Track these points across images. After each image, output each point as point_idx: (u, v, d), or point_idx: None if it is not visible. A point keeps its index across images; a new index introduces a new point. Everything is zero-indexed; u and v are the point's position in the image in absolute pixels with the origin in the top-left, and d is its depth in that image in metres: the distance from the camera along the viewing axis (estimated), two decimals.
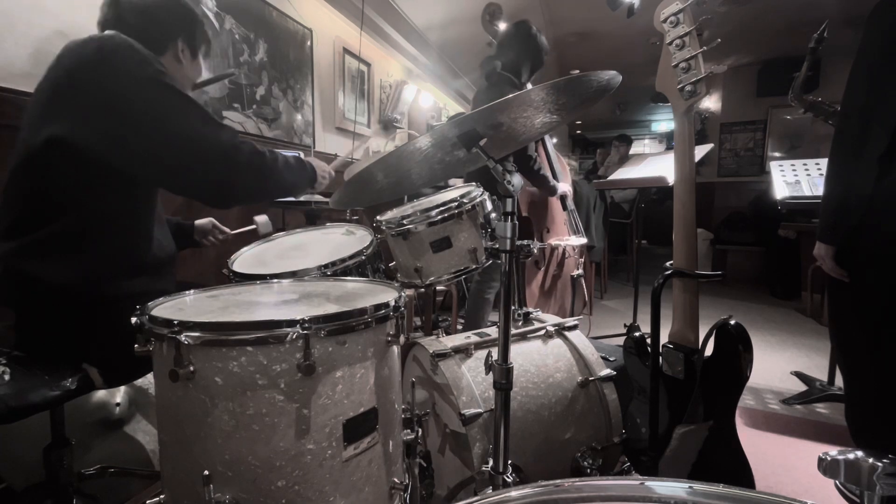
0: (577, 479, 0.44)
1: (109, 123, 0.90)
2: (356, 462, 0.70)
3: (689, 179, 1.08)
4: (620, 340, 1.31)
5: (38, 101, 0.96)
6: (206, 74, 1.24)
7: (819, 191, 2.55)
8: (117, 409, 1.37)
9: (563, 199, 2.61)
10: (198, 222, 1.43)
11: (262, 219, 1.54)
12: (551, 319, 1.39)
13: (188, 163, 0.95)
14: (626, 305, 3.90)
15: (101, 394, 1.35)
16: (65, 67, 0.94)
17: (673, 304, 1.11)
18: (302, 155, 1.21)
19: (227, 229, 1.48)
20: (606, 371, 1.28)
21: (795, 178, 2.75)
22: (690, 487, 0.42)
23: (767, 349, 2.90)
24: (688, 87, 1.05)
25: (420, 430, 0.89)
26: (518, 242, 0.88)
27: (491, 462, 0.93)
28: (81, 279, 0.92)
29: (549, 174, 2.33)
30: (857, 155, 1.16)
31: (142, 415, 1.44)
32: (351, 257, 1.13)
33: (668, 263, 1.12)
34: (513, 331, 1.24)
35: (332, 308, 0.76)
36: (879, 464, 0.41)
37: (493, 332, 1.30)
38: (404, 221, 1.15)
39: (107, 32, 0.98)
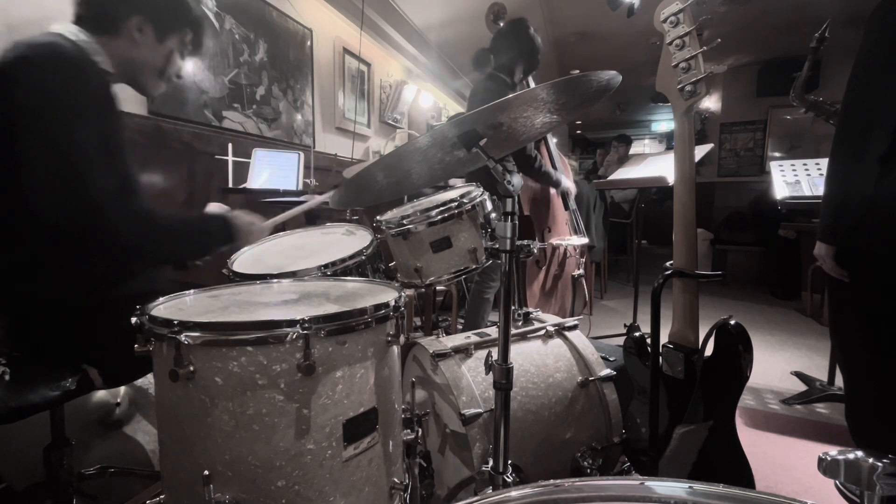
0: (577, 479, 0.44)
1: (19, 140, 0.84)
2: (356, 462, 0.70)
3: (689, 179, 1.08)
4: (620, 340, 1.31)
5: None
6: (189, 66, 1.10)
7: (819, 191, 2.55)
8: (117, 409, 1.37)
9: (564, 198, 2.61)
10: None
11: None
12: (551, 319, 1.39)
13: (66, 214, 0.86)
14: (626, 305, 3.90)
15: (101, 394, 1.35)
16: None
17: (673, 304, 1.11)
18: (302, 155, 1.18)
19: None
20: (606, 371, 1.28)
21: (795, 178, 2.76)
22: (690, 487, 0.42)
23: (767, 349, 2.90)
24: (688, 87, 1.05)
25: (420, 430, 0.89)
26: (518, 242, 0.88)
27: (491, 462, 0.93)
28: (77, 285, 0.91)
29: (550, 169, 2.33)
30: (857, 155, 1.16)
31: (142, 415, 1.44)
32: (351, 257, 1.13)
33: (668, 263, 1.12)
34: (513, 331, 1.24)
35: (332, 308, 0.76)
36: (879, 464, 0.41)
37: (493, 332, 1.30)
38: (404, 221, 1.15)
39: (44, 35, 0.91)
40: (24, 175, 0.85)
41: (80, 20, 0.97)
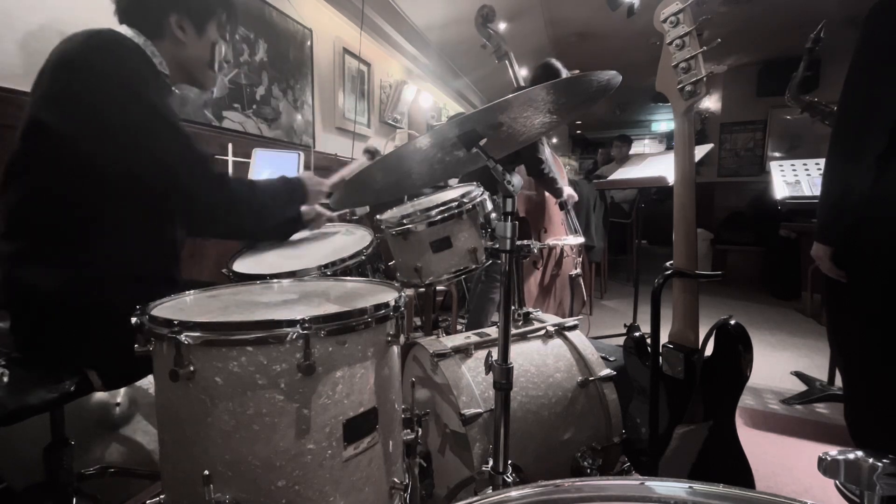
0: (577, 479, 0.44)
1: (85, 126, 0.88)
2: (356, 462, 0.70)
3: (689, 179, 1.08)
4: (620, 340, 1.31)
5: (31, 93, 0.94)
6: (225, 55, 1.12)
7: (819, 191, 2.55)
8: (117, 409, 1.37)
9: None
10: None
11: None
12: (551, 319, 1.39)
13: (160, 188, 0.94)
14: (626, 305, 3.90)
15: (101, 394, 1.35)
16: (52, 60, 0.92)
17: (673, 304, 1.11)
18: (302, 155, 1.19)
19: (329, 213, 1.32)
20: (606, 371, 1.28)
21: (795, 178, 2.76)
22: (690, 487, 0.42)
23: (767, 349, 2.90)
24: (688, 87, 1.05)
25: (420, 430, 0.89)
26: (518, 242, 0.88)
27: (491, 462, 0.93)
28: (79, 285, 0.91)
29: (557, 176, 2.34)
30: (854, 155, 1.15)
31: (142, 415, 1.44)
32: (351, 257, 1.13)
33: (668, 263, 1.12)
34: (513, 331, 1.24)
35: (332, 308, 0.76)
36: (879, 464, 0.41)
37: (492, 332, 1.30)
38: (404, 221, 1.15)
39: (102, 27, 0.95)
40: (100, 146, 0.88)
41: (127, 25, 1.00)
